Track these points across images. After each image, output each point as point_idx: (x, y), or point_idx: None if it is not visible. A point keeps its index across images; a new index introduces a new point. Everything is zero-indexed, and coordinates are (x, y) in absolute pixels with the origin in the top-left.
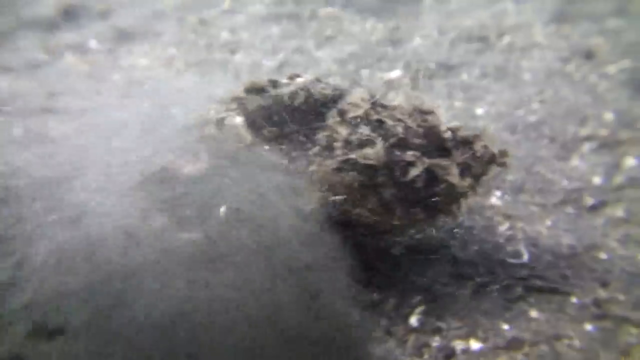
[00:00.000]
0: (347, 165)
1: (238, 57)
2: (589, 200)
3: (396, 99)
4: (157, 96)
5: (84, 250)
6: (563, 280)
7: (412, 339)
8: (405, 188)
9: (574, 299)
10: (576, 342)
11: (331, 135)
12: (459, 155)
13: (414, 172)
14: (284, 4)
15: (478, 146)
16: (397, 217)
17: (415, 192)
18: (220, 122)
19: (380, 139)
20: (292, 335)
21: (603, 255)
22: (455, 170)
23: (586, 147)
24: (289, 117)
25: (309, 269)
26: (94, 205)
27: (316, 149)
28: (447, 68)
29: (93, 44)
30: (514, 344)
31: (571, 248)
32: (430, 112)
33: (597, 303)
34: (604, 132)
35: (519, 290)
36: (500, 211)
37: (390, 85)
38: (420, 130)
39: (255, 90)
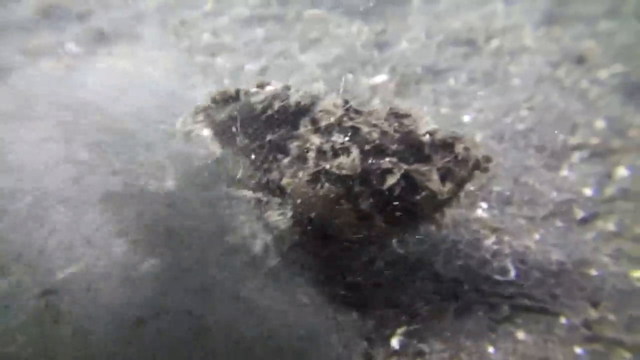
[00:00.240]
0: (322, 176)
1: (220, 60)
2: (579, 213)
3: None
4: (130, 104)
5: None
6: (552, 299)
7: None
8: (384, 197)
9: (563, 320)
10: None
11: (303, 144)
12: (439, 160)
13: (391, 180)
14: (268, 5)
15: (459, 148)
16: (376, 227)
17: (394, 201)
18: (187, 135)
19: (355, 146)
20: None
21: (593, 272)
22: (435, 176)
23: (576, 156)
24: (260, 127)
25: (284, 290)
26: (50, 221)
27: (287, 160)
28: (434, 73)
29: (71, 46)
30: None
31: (560, 264)
32: (406, 116)
33: (587, 324)
34: (594, 140)
35: (505, 309)
36: (486, 224)
37: (375, 90)
38: (397, 135)
39: (224, 100)
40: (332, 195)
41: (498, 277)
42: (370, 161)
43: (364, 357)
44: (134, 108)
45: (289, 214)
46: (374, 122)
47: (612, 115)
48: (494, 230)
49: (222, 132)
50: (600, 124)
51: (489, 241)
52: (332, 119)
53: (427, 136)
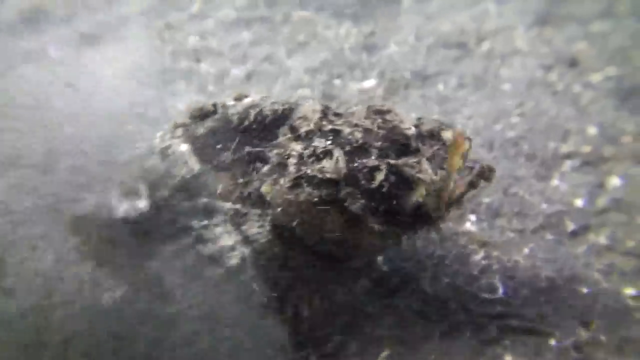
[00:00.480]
0: (303, 181)
1: (204, 65)
2: (570, 225)
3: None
4: (108, 117)
5: None
6: (540, 319)
7: None
8: (376, 196)
9: (552, 341)
10: None
11: (284, 152)
12: (428, 150)
13: (380, 176)
14: (256, 7)
15: (447, 135)
16: (368, 234)
17: (386, 199)
18: (164, 152)
19: (338, 149)
20: None
21: (584, 289)
22: (426, 166)
23: (568, 165)
24: (239, 140)
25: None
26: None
27: (266, 168)
28: (423, 78)
29: (53, 50)
30: None
31: (550, 280)
32: (388, 112)
33: (578, 346)
34: (586, 148)
35: (493, 330)
36: (475, 238)
37: (363, 96)
38: (382, 132)
39: (201, 115)
40: (315, 200)
41: (486, 295)
42: (356, 161)
43: None
44: (111, 121)
45: (268, 226)
46: (355, 122)
47: (605, 121)
48: (483, 244)
49: (202, 147)
50: (592, 130)
51: (478, 256)
52: (312, 125)
53: (413, 129)
